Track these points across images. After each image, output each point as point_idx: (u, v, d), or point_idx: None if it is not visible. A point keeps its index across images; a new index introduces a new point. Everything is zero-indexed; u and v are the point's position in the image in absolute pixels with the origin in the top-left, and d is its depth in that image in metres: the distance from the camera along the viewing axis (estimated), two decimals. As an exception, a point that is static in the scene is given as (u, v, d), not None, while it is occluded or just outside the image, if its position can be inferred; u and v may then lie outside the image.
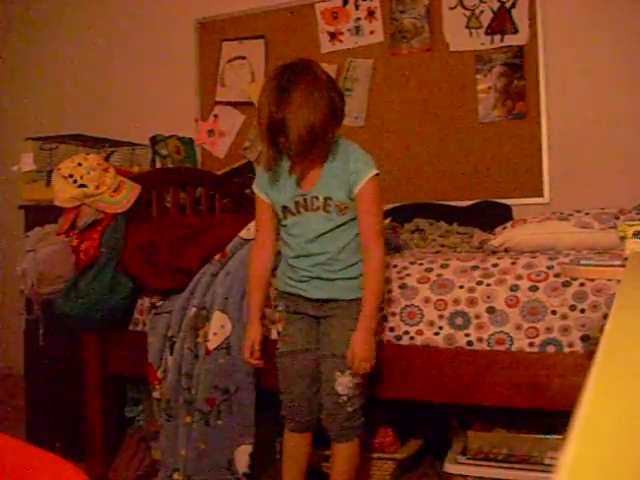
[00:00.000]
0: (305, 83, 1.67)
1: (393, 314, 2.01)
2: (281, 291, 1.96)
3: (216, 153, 3.72)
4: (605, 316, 1.77)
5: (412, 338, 1.99)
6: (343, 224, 1.80)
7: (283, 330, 1.97)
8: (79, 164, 2.36)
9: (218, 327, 2.15)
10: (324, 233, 1.81)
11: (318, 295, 1.85)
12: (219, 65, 3.74)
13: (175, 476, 2.17)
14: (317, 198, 1.79)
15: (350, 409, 1.84)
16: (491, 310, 1.91)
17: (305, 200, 1.80)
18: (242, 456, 2.12)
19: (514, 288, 1.91)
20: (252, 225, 2.16)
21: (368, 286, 1.77)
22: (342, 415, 1.84)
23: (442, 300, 1.97)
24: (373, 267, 1.77)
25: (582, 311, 1.83)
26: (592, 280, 1.81)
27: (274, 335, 2.11)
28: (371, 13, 3.37)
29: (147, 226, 2.47)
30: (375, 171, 1.77)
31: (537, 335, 1.86)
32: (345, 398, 1.83)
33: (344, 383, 1.82)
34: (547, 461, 1.98)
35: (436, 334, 1.96)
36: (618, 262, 1.31)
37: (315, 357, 1.89)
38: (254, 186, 1.91)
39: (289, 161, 1.79)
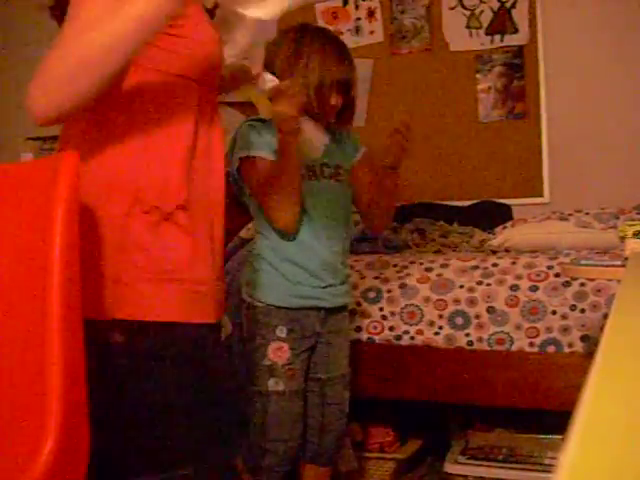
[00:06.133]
0: None
1: (393, 314, 2.01)
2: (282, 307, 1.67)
3: (216, 153, 3.72)
4: (605, 316, 1.77)
5: (412, 338, 1.98)
6: None
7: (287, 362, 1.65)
8: (79, 164, 2.36)
9: (218, 327, 2.15)
10: None
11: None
12: (219, 65, 3.74)
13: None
14: None
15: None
16: (491, 310, 1.91)
17: None
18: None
19: (514, 288, 1.91)
20: (252, 225, 2.16)
21: None
22: (343, 434, 1.81)
23: (442, 300, 1.97)
24: None
25: (582, 311, 1.83)
26: (592, 280, 1.81)
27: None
28: (371, 13, 3.37)
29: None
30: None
31: (537, 335, 1.86)
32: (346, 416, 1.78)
33: (348, 400, 1.78)
34: (547, 461, 1.98)
35: (436, 334, 1.96)
36: (618, 262, 1.31)
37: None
38: None
39: None
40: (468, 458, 2.05)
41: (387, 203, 1.78)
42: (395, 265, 2.10)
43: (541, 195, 3.03)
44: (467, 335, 1.93)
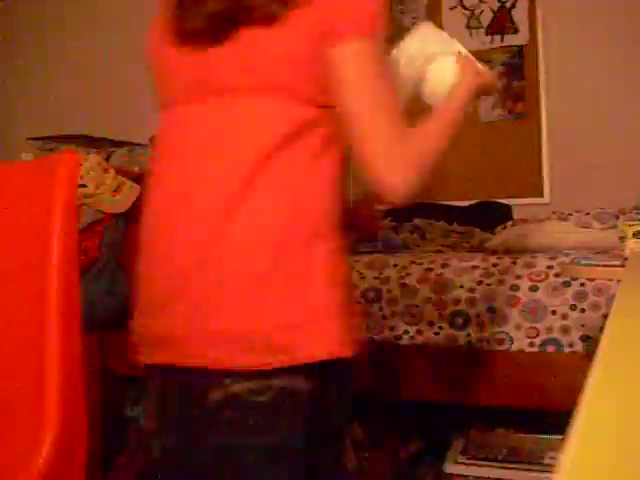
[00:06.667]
0: None
1: (393, 314, 2.01)
2: None
3: (216, 153, 3.71)
4: (605, 316, 1.77)
5: (412, 338, 1.98)
6: None
7: None
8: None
9: (218, 327, 2.14)
10: None
11: None
12: (219, 65, 3.74)
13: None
14: None
15: None
16: (491, 310, 1.91)
17: None
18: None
19: (514, 288, 1.91)
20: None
21: None
22: None
23: (442, 300, 1.97)
24: None
25: (582, 311, 1.83)
26: (592, 280, 1.81)
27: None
28: (371, 13, 3.37)
29: (147, 226, 2.47)
30: None
31: (537, 335, 1.86)
32: None
33: None
34: (547, 461, 1.98)
35: (436, 334, 1.96)
36: (618, 262, 1.31)
37: None
38: None
39: None
40: (468, 458, 2.05)
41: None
42: (395, 265, 2.10)
43: (541, 195, 3.03)
44: (467, 335, 1.93)
